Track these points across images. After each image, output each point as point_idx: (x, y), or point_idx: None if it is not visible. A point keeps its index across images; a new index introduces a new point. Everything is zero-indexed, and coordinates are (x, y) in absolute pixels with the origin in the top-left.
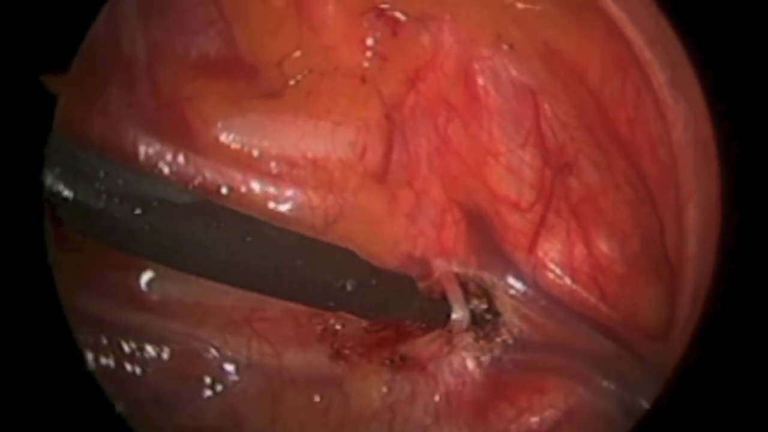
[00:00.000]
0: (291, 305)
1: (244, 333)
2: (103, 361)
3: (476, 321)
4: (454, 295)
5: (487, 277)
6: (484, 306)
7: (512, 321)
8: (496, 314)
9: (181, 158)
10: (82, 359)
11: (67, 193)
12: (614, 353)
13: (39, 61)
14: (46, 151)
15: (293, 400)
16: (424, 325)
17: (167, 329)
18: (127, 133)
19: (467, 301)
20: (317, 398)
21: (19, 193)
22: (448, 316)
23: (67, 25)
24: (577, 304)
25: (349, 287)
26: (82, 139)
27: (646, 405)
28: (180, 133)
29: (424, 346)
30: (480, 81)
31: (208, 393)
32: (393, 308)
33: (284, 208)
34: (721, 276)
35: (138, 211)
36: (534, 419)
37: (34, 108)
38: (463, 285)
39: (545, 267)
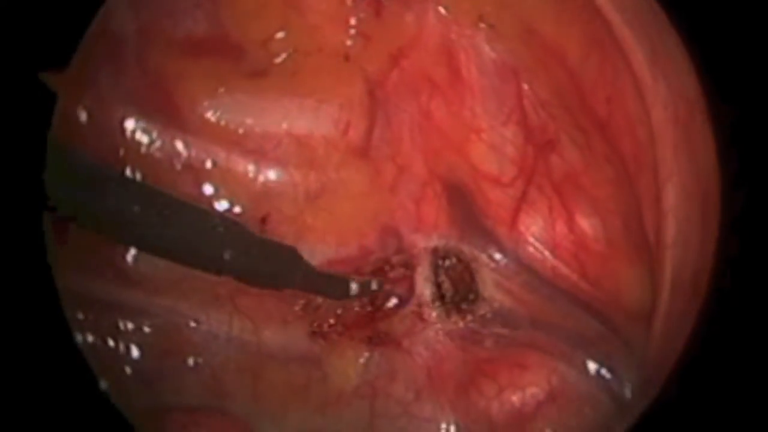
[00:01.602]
0: None
1: (227, 308)
2: (88, 337)
3: (446, 294)
4: (422, 268)
5: (468, 249)
6: (461, 279)
7: (493, 295)
8: (474, 288)
9: (167, 135)
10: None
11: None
12: (597, 332)
13: (38, 59)
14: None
15: (273, 376)
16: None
17: (151, 304)
18: (116, 111)
19: (437, 275)
20: (296, 375)
21: (18, 189)
22: (346, 291)
23: (66, 24)
24: (559, 280)
25: (227, 256)
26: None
27: (629, 393)
28: (167, 111)
29: (398, 322)
30: (462, 60)
31: (188, 366)
32: (275, 278)
33: (267, 183)
34: (720, 273)
35: None
36: (515, 397)
37: (34, 106)
38: (441, 257)
39: (526, 242)
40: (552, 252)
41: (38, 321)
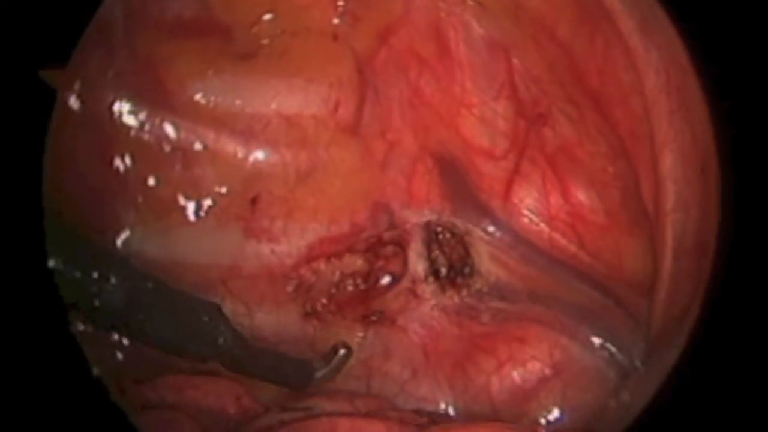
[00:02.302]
0: (266, 262)
1: (219, 291)
2: (81, 325)
3: (440, 269)
4: (414, 244)
5: (461, 223)
6: (455, 254)
7: (488, 269)
8: (469, 262)
9: (156, 118)
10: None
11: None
12: (600, 304)
13: (38, 57)
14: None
15: None
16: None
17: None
18: (106, 96)
19: (430, 250)
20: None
21: (18, 187)
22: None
23: (66, 22)
24: (557, 251)
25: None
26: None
27: (638, 364)
28: (156, 93)
29: (392, 300)
30: (451, 36)
31: None
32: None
33: (257, 164)
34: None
35: None
36: (516, 372)
37: (33, 104)
38: (434, 232)
39: (521, 214)
40: (548, 223)
41: (35, 310)
